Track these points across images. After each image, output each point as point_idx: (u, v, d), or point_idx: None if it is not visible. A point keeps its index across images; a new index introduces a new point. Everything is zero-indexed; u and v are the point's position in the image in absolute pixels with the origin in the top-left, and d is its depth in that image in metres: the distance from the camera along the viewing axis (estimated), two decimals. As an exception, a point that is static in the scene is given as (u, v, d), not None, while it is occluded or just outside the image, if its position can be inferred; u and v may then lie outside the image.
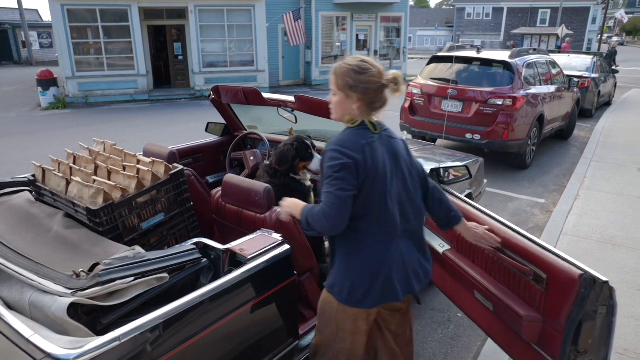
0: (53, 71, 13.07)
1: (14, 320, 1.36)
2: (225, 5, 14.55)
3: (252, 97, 3.21)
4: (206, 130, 3.98)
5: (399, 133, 7.05)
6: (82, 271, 1.55)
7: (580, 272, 1.81)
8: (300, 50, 17.64)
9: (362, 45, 19.08)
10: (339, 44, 18.51)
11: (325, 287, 1.87)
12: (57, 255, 1.81)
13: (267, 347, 1.95)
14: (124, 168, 2.14)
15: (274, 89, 16.12)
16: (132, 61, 13.80)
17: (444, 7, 74.66)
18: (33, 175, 2.32)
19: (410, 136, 7.37)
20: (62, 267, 1.69)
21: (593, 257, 3.98)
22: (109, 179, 2.10)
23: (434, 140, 7.09)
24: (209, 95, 3.58)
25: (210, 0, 14.29)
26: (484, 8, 45.43)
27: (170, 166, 2.19)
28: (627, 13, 38.56)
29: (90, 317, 1.52)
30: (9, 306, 1.49)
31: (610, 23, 49.18)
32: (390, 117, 8.83)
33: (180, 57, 15.12)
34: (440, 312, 3.41)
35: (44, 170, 2.22)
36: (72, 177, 2.07)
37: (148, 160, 2.19)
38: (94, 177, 2.04)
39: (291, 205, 1.87)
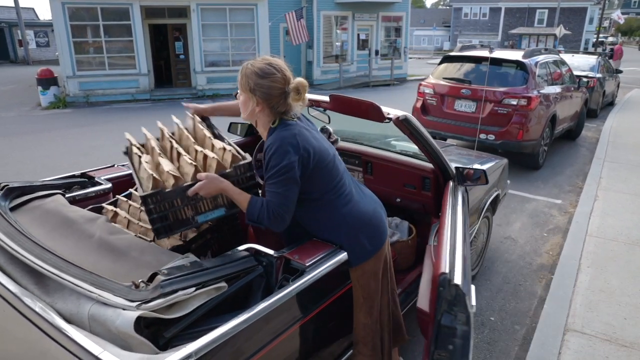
0: (53, 70, 12.91)
1: (79, 336, 1.27)
2: (227, 4, 14.42)
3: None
4: (228, 130, 3.87)
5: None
6: (142, 281, 1.46)
7: (443, 270, 1.75)
8: (302, 49, 17.55)
9: (362, 44, 19.01)
10: (340, 44, 18.44)
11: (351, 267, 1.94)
12: (104, 263, 1.72)
13: (333, 351, 1.88)
14: (197, 152, 1.97)
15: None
16: (133, 60, 13.66)
17: (440, 7, 74.77)
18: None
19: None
20: (112, 275, 1.60)
21: (622, 259, 3.93)
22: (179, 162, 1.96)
23: (443, 139, 7.02)
24: (236, 95, 3.48)
25: (212, -2, 14.21)
26: (480, 8, 45.49)
27: (240, 156, 1.93)
28: (622, 13, 38.74)
29: (151, 331, 1.43)
30: (66, 319, 1.40)
31: (606, 23, 49.42)
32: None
33: (182, 57, 14.98)
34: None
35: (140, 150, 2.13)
36: (143, 160, 1.95)
37: (219, 145, 1.97)
38: (160, 159, 1.91)
39: (210, 184, 1.77)
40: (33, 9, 34.02)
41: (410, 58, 26.01)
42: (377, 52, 19.10)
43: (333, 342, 1.90)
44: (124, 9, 13.21)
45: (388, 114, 2.56)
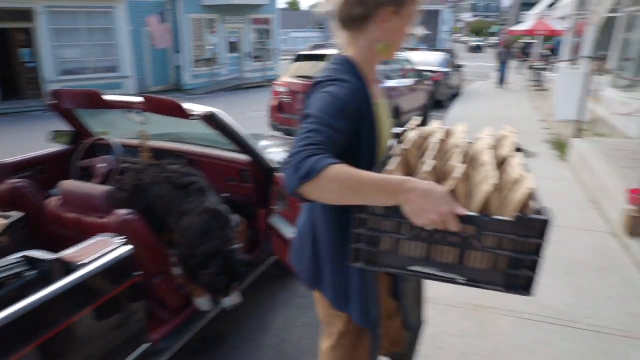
0: None
1: None
2: (80, 7, 13.46)
3: (93, 100, 3.05)
4: (53, 140, 3.67)
5: (269, 131, 7.18)
6: None
7: None
8: (168, 54, 16.96)
9: (233, 47, 18.95)
10: (211, 47, 18.18)
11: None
12: None
13: (112, 352, 1.90)
14: None
15: (143, 95, 15.38)
16: (-32, 71, 12.15)
17: (314, 9, 77.11)
18: None
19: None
20: None
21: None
22: None
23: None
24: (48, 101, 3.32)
25: (62, 0, 13.12)
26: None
27: None
28: (474, 16, 43.44)
29: None
30: None
31: (460, 24, 54.96)
32: (257, 116, 8.94)
33: (31, 64, 13.64)
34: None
35: None
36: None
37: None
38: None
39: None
40: None
41: (285, 59, 26.50)
42: (249, 54, 19.18)
43: (115, 343, 1.91)
44: (-49, 13, 11.70)
45: (192, 111, 2.64)
